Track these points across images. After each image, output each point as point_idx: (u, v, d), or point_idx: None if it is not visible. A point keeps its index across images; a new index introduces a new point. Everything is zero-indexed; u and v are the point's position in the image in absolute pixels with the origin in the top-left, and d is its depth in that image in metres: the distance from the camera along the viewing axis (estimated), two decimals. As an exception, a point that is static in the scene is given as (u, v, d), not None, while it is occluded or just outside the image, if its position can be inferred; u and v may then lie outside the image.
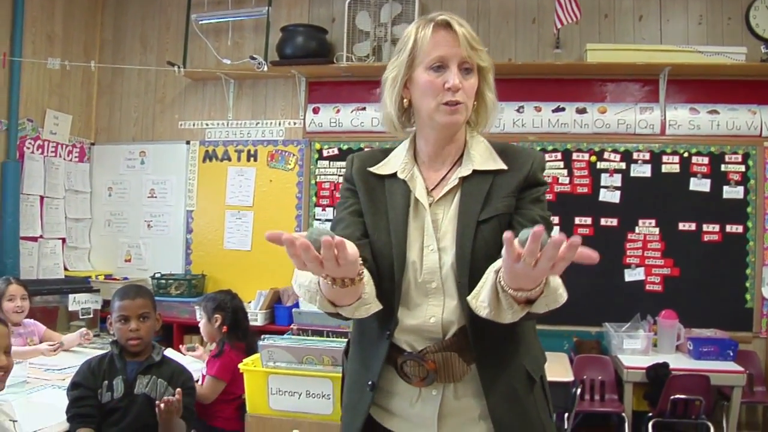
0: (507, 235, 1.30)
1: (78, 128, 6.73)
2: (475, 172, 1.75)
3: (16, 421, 2.45)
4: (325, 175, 6.26)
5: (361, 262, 1.49)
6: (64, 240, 6.56)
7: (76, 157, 6.75)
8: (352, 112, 6.20)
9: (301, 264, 1.36)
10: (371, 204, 1.80)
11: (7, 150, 5.96)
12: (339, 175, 6.18)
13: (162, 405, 2.80)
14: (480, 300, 1.56)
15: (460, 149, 1.81)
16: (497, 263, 1.49)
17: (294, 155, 6.34)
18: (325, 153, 6.27)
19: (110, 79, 6.95)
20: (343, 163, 5.87)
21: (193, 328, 5.71)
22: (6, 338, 2.42)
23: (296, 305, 4.75)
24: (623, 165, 5.72)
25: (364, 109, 6.16)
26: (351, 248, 1.37)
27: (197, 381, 3.47)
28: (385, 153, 1.88)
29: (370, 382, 1.77)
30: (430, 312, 1.71)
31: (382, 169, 1.84)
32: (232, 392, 3.69)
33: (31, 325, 4.43)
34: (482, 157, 1.77)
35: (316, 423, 2.90)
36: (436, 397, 1.73)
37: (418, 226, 1.75)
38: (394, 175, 1.81)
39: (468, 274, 1.65)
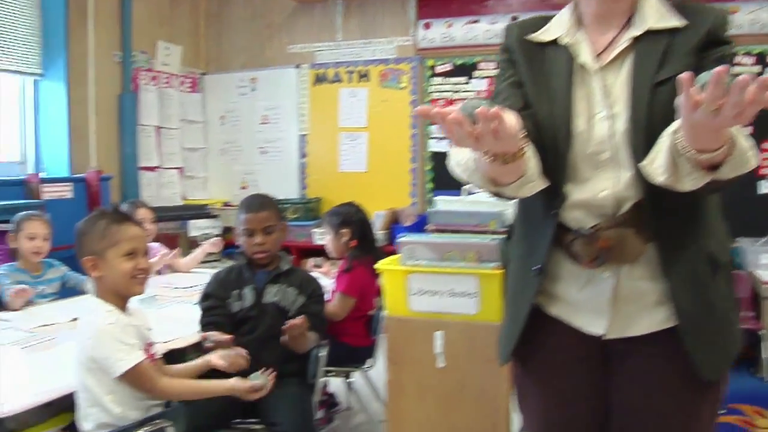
0: (684, 75, 1.12)
1: (188, 58, 6.77)
2: (648, 31, 1.55)
3: (150, 329, 2.42)
4: (439, 92, 6.09)
5: (525, 133, 1.33)
6: (180, 169, 6.64)
7: (188, 87, 6.81)
8: (464, 25, 5.99)
9: (456, 141, 1.22)
10: (532, 73, 1.63)
11: (123, 82, 6.04)
12: (454, 92, 6.02)
13: (287, 329, 2.75)
14: (655, 165, 1.39)
15: (630, 8, 1.60)
16: (674, 125, 1.32)
17: (406, 73, 6.20)
18: (438, 69, 6.09)
19: (217, 7, 6.93)
20: (458, 79, 5.88)
21: (311, 252, 5.72)
22: (144, 241, 2.38)
23: (421, 220, 4.61)
24: (757, 68, 5.32)
25: (476, 21, 5.94)
26: (510, 120, 1.22)
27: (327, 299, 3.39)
28: (546, 20, 1.70)
29: (535, 267, 1.62)
30: (601, 185, 1.54)
31: (542, 36, 1.66)
32: (360, 309, 3.63)
33: (155, 248, 4.47)
34: (656, 15, 1.56)
35: (461, 323, 2.74)
36: (608, 280, 1.56)
37: (584, 94, 1.58)
38: (556, 41, 1.63)
39: (644, 142, 1.46)
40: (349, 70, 6.39)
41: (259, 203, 3.06)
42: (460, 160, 1.50)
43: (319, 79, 6.51)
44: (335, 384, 4.07)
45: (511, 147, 1.29)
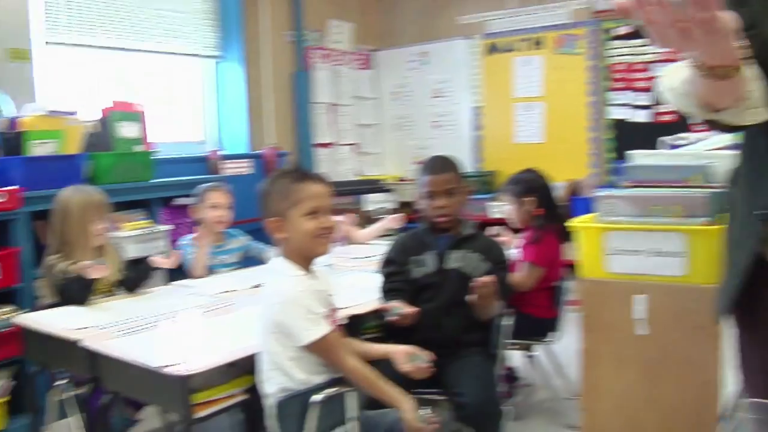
0: None
1: (359, 35, 6.78)
2: None
3: (332, 295, 2.36)
4: (618, 56, 5.77)
5: (744, 44, 1.14)
6: (355, 145, 6.69)
7: (360, 64, 6.84)
8: (648, -20, 5.62)
9: (660, 37, 1.03)
10: None
11: (296, 61, 6.13)
12: (634, 54, 5.68)
13: (477, 287, 2.61)
14: None
15: None
16: None
17: (583, 38, 5.92)
18: (616, 32, 5.77)
19: (386, -17, 6.91)
20: (640, 41, 5.52)
21: (487, 226, 5.58)
22: (327, 199, 2.29)
23: (604, 187, 4.37)
24: None
25: (661, -27, 5.56)
26: (725, 15, 1.02)
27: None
28: None
29: (760, 211, 1.41)
30: None
31: None
32: (546, 278, 3.47)
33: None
34: None
35: (665, 286, 2.51)
36: None
37: None
38: None
39: None
40: (522, 38, 6.20)
41: (441, 165, 2.95)
42: (672, 84, 1.33)
43: (491, 49, 6.36)
44: (515, 358, 3.91)
45: (727, 55, 1.11)
